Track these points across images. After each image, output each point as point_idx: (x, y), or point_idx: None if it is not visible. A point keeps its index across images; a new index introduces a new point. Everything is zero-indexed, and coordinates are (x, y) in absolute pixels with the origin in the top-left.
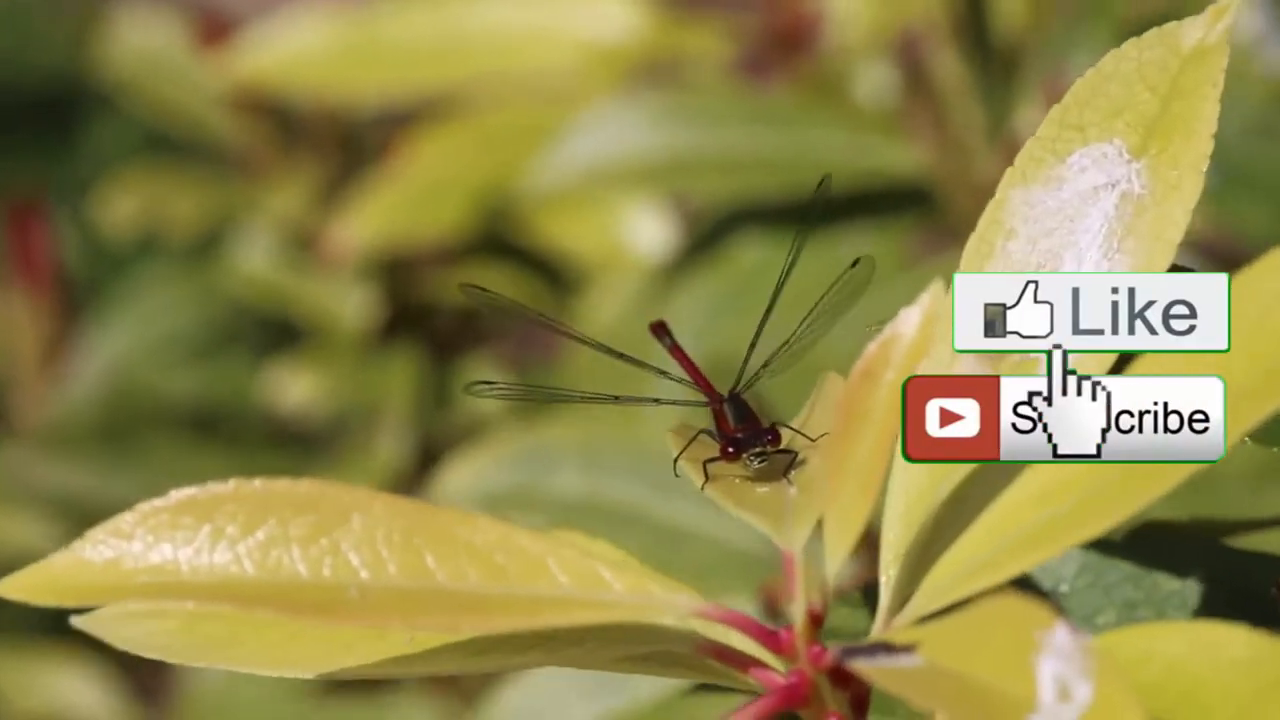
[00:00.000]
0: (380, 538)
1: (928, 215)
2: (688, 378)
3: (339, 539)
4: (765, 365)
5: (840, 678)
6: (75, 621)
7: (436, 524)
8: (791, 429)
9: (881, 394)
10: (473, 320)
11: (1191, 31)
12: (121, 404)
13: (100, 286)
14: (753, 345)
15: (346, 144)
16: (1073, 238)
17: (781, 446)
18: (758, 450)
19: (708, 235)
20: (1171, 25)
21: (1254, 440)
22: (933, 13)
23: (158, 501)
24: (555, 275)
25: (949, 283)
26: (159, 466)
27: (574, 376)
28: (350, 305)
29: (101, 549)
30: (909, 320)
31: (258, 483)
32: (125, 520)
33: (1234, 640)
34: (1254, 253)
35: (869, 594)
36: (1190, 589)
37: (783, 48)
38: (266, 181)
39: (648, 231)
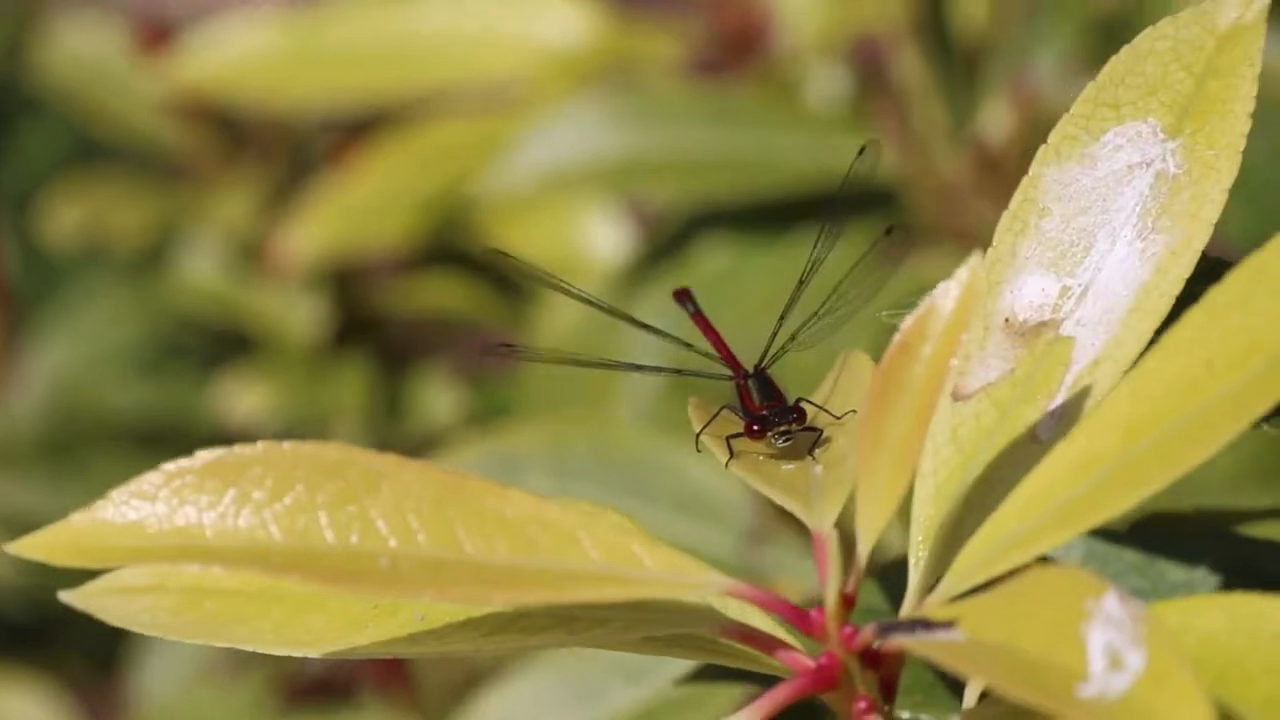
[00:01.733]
0: (410, 506)
1: (892, 216)
2: (712, 350)
3: (368, 506)
4: (793, 338)
5: (870, 659)
6: (64, 596)
7: (467, 494)
8: (816, 405)
9: (918, 369)
10: (424, 330)
11: (1228, 11)
12: (65, 419)
13: (42, 298)
14: (782, 319)
15: (293, 151)
16: (1106, 216)
17: (806, 425)
18: (783, 429)
19: (669, 240)
20: (1208, 3)
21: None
22: (891, 12)
23: (183, 462)
24: (509, 284)
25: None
26: (104, 483)
27: (535, 386)
28: (299, 315)
29: (125, 510)
30: (948, 294)
31: (286, 446)
32: (149, 481)
33: (1275, 612)
34: (1236, 255)
35: (886, 580)
36: (1198, 578)
37: (733, 50)
38: (212, 190)
39: (604, 237)
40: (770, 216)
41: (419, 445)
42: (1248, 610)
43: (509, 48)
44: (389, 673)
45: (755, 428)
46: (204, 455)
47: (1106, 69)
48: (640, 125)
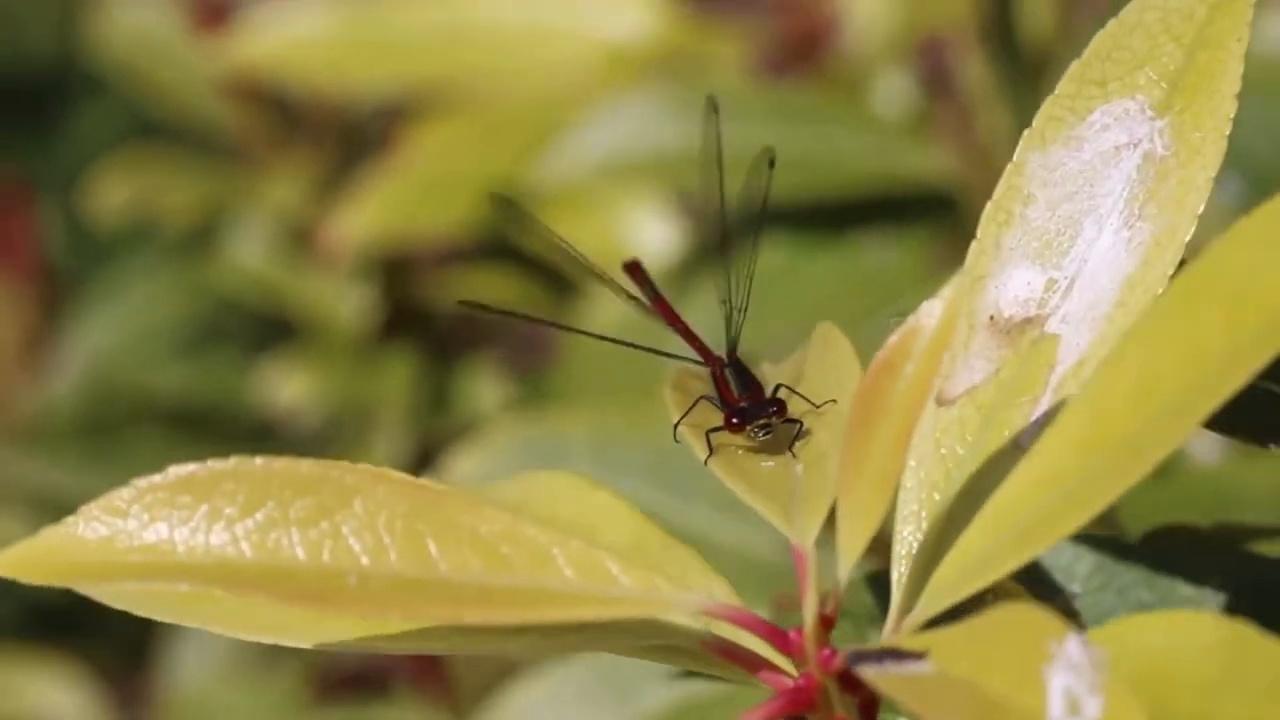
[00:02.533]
0: (382, 523)
1: (951, 223)
2: (686, 347)
3: (340, 523)
4: (741, 310)
5: (849, 682)
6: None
7: (441, 510)
8: (794, 391)
9: (901, 387)
10: (472, 322)
11: None
12: (105, 399)
13: (86, 277)
14: (738, 305)
15: (346, 136)
16: (1093, 202)
17: (786, 416)
18: (763, 423)
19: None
20: None
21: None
22: (958, 16)
23: (155, 478)
24: (557, 276)
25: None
26: (144, 465)
27: (582, 377)
28: (347, 303)
29: (95, 526)
30: (931, 312)
31: (259, 461)
32: (121, 496)
33: (1202, 626)
34: None
35: (879, 594)
36: (1208, 595)
37: (799, 52)
38: (263, 172)
39: (654, 233)
40: (829, 217)
41: (461, 438)
42: (1179, 626)
43: (571, 40)
44: (424, 668)
45: (735, 421)
46: (176, 470)
47: (1092, 44)
48: (698, 120)
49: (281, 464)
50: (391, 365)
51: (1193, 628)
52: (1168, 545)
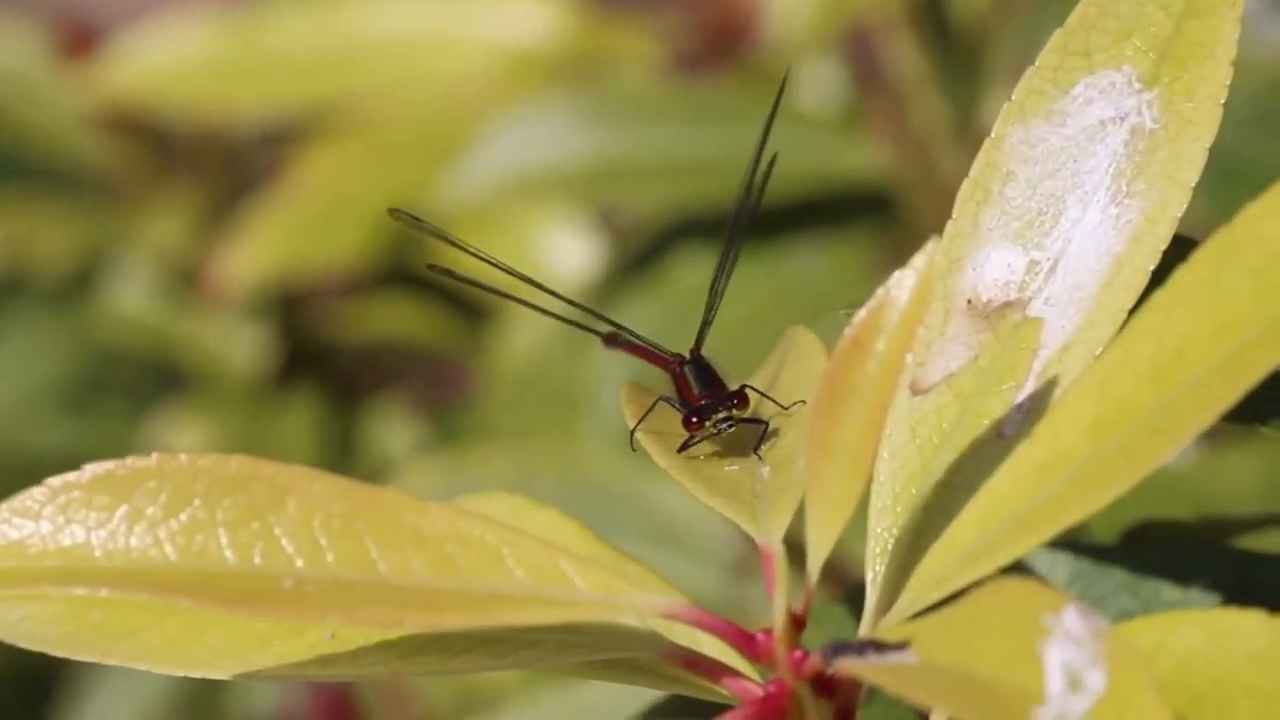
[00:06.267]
0: (318, 523)
1: (889, 222)
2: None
3: (272, 523)
4: (711, 309)
5: (824, 686)
6: None
7: (381, 509)
8: (760, 393)
9: (871, 365)
10: (379, 358)
11: None
12: None
13: None
14: (709, 304)
15: (231, 165)
16: (1077, 179)
17: (750, 414)
18: (723, 416)
19: (644, 252)
20: None
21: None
22: (886, 1)
23: (70, 476)
24: (469, 306)
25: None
26: None
27: (498, 416)
28: (241, 346)
29: (5, 529)
30: (902, 284)
31: (183, 457)
32: (33, 496)
33: (1254, 627)
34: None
35: (853, 599)
36: (1195, 597)
37: (716, 47)
38: (142, 210)
39: (570, 251)
40: (755, 225)
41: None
42: (1226, 627)
43: (467, 48)
44: (340, 715)
45: (693, 419)
46: (93, 468)
47: (1076, 13)
48: (612, 125)
49: (208, 461)
50: (294, 409)
51: (1240, 628)
52: (1149, 545)
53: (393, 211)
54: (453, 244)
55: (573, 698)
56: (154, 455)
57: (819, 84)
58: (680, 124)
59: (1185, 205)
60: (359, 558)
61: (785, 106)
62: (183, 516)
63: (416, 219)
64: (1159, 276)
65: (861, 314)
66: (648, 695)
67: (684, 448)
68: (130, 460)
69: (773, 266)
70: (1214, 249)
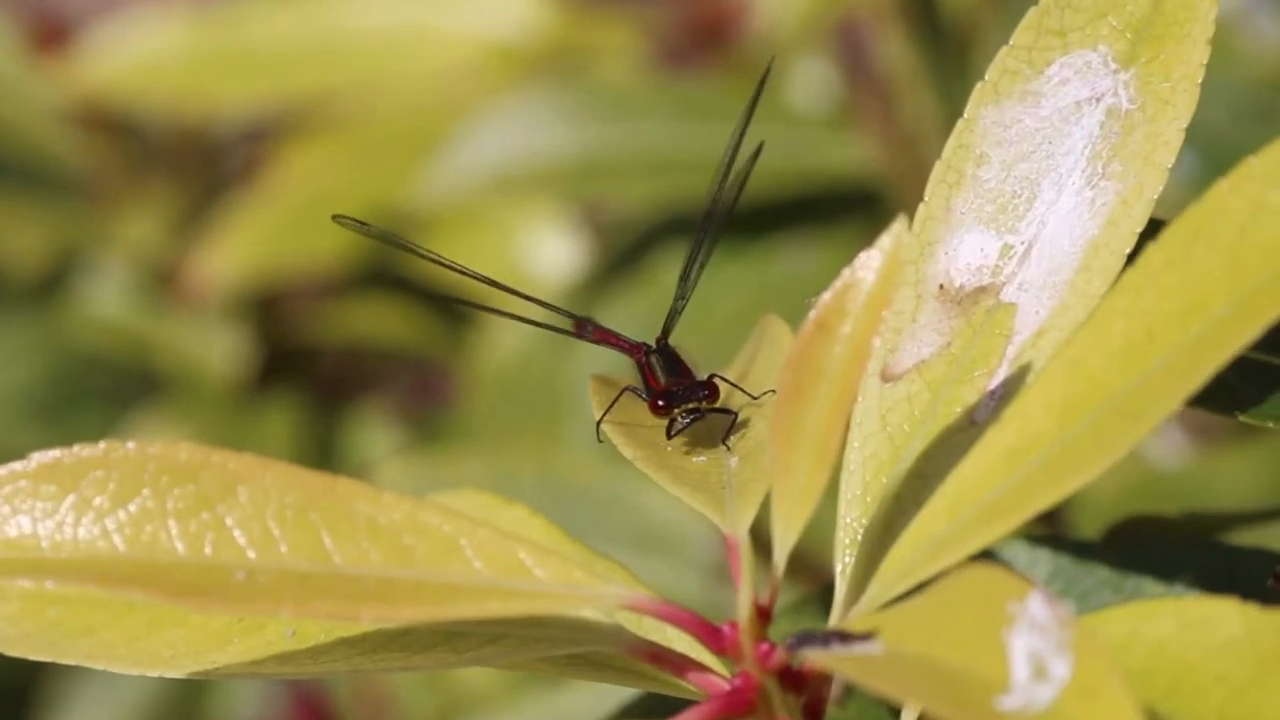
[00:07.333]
0: (271, 513)
1: (878, 219)
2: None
3: (223, 514)
4: (682, 299)
5: (791, 680)
6: None
7: (336, 499)
8: (730, 383)
9: (838, 350)
10: (360, 361)
11: None
12: None
13: None
14: (680, 294)
15: (208, 163)
16: (1052, 161)
17: (719, 404)
18: (691, 406)
19: (628, 250)
20: None
21: None
22: None
23: (15, 466)
24: (450, 307)
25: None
26: None
27: (479, 420)
28: (218, 348)
29: None
30: (868, 265)
31: (131, 446)
32: None
33: (1226, 616)
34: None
35: (822, 597)
36: (1178, 594)
37: (702, 41)
38: (117, 209)
39: (552, 250)
40: (740, 222)
41: None
42: (1199, 616)
43: (452, 43)
44: None
45: (660, 405)
46: (39, 456)
47: None
48: (595, 121)
49: (157, 449)
50: (272, 413)
51: (1212, 616)
52: (1132, 541)
53: (337, 218)
54: (404, 248)
55: (551, 707)
56: (101, 444)
57: (807, 80)
58: (665, 119)
59: (1161, 188)
60: (313, 549)
61: (774, 103)
62: (132, 507)
63: (363, 224)
64: (1134, 260)
65: (826, 297)
66: (626, 700)
67: (666, 433)
68: (77, 448)
69: (761, 264)
70: (1184, 227)
